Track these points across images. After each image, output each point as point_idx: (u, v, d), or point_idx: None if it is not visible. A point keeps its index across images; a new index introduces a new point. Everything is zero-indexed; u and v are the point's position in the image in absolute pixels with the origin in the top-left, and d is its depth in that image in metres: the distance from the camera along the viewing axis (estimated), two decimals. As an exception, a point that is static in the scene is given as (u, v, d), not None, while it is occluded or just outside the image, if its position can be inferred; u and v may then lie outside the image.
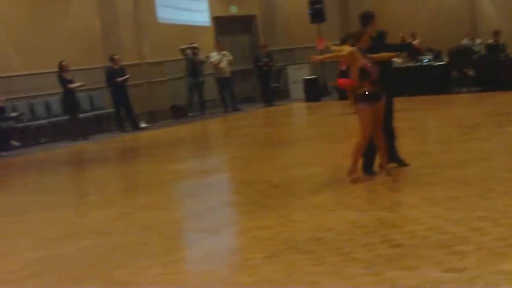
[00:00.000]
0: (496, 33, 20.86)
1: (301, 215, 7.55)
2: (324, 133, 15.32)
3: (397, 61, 20.38)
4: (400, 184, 9.04)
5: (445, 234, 6.20)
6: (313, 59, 10.72)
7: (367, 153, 9.22)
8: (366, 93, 8.82)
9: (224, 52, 22.34)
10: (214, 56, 22.23)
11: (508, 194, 7.55)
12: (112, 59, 19.27)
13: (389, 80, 9.60)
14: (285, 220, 7.36)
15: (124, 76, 19.21)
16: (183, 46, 21.40)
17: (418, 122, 15.42)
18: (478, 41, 21.67)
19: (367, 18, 9.51)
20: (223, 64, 22.16)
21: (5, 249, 7.38)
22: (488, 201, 7.39)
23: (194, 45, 21.46)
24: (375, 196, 8.30)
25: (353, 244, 6.18)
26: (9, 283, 6.19)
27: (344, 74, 17.22)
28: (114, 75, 19.16)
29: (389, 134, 9.34)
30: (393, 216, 7.16)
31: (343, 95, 20.36)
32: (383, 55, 9.28)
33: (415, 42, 10.24)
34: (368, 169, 9.32)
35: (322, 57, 9.99)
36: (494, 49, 20.55)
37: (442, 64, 20.96)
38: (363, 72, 8.84)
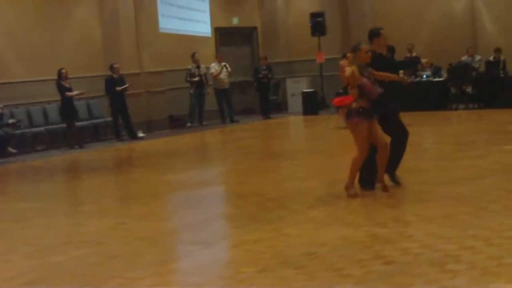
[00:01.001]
0: (497, 51, 20.94)
1: (295, 229, 7.56)
2: (321, 147, 15.34)
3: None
4: (396, 200, 9.05)
5: (438, 252, 6.22)
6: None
7: (367, 168, 9.24)
8: (361, 108, 8.83)
9: (224, 63, 22.38)
10: (214, 67, 22.29)
11: (501, 213, 7.57)
12: (111, 68, 19.31)
13: (395, 97, 9.59)
14: (279, 234, 7.38)
15: (123, 85, 19.25)
16: (188, 79, 21.44)
17: (416, 138, 15.35)
18: (477, 58, 21.74)
19: (371, 34, 9.56)
20: (223, 75, 22.21)
21: (2, 257, 7.38)
22: (482, 220, 7.40)
23: (190, 67, 21.45)
24: (370, 211, 8.31)
25: (346, 259, 6.19)
26: (3, 291, 6.21)
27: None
28: (113, 84, 19.19)
29: (394, 151, 9.34)
30: (387, 232, 7.16)
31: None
32: (385, 75, 9.25)
33: (424, 61, 10.30)
34: (366, 183, 9.35)
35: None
36: (494, 66, 20.62)
37: (441, 80, 21.03)
38: (361, 90, 8.84)
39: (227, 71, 22.31)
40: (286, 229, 7.62)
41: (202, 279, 6.01)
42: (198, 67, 21.53)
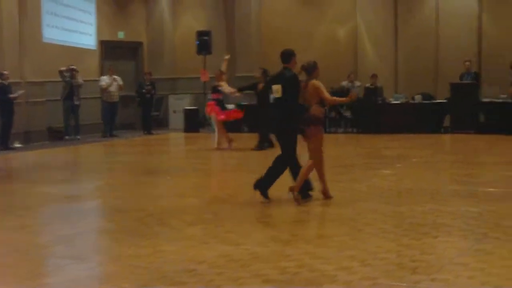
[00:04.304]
0: (373, 77, 21.49)
1: (175, 246, 7.50)
2: (200, 165, 15.31)
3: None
4: (274, 220, 9.13)
5: (314, 272, 6.28)
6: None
7: (272, 177, 9.82)
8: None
9: (115, 76, 22.14)
10: (105, 80, 22.03)
11: (377, 235, 7.73)
12: (1, 75, 18.72)
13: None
14: (157, 250, 7.29)
15: (12, 92, 18.70)
16: (62, 68, 20.98)
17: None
18: (357, 83, 22.24)
19: (290, 54, 10.11)
20: (113, 88, 21.98)
21: None
22: (358, 241, 7.53)
23: (73, 67, 21.07)
24: (249, 230, 8.31)
25: (224, 277, 6.17)
26: None
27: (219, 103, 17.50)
28: (4, 91, 18.61)
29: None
30: (265, 251, 7.18)
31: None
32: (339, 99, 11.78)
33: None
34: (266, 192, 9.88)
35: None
36: (371, 92, 21.15)
37: (321, 104, 21.39)
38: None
39: (118, 84, 22.09)
40: (165, 245, 7.54)
41: (76, 294, 5.88)
42: (74, 76, 21.02)
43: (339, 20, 24.47)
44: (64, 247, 7.73)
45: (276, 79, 10.12)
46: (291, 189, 9.67)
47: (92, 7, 23.79)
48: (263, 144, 16.81)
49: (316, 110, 9.83)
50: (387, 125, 20.20)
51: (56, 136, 21.14)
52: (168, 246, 7.50)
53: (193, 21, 25.83)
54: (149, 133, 22.72)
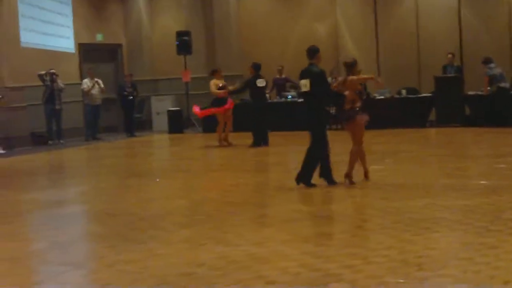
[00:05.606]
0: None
1: (170, 249, 7.34)
2: (187, 166, 15.16)
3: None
4: (268, 219, 9.00)
5: (317, 271, 6.15)
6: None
7: (310, 168, 10.44)
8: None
9: (97, 79, 21.91)
10: (86, 83, 21.81)
11: (376, 231, 7.61)
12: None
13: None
14: (153, 254, 7.14)
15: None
16: (41, 72, 20.68)
17: (285, 157, 15.54)
18: (341, 79, 22.12)
19: (315, 50, 10.83)
20: (95, 91, 21.76)
21: None
22: (358, 238, 7.43)
23: (52, 71, 20.80)
24: (244, 230, 8.16)
25: (227, 280, 6.03)
26: None
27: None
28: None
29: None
30: (264, 251, 7.04)
31: (207, 127, 20.33)
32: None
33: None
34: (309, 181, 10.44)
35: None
36: (356, 88, 21.06)
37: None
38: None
39: (99, 87, 21.85)
40: (160, 249, 7.38)
41: (76, 302, 5.72)
42: (54, 80, 20.74)
43: (319, 16, 24.37)
44: (58, 253, 7.56)
45: (303, 74, 10.76)
46: (346, 176, 10.66)
47: (68, 10, 23.49)
48: (259, 141, 16.81)
49: (351, 95, 10.95)
50: (373, 121, 20.01)
51: (39, 141, 20.88)
52: (164, 250, 7.34)
53: (171, 21, 25.64)
54: (133, 135, 22.52)
